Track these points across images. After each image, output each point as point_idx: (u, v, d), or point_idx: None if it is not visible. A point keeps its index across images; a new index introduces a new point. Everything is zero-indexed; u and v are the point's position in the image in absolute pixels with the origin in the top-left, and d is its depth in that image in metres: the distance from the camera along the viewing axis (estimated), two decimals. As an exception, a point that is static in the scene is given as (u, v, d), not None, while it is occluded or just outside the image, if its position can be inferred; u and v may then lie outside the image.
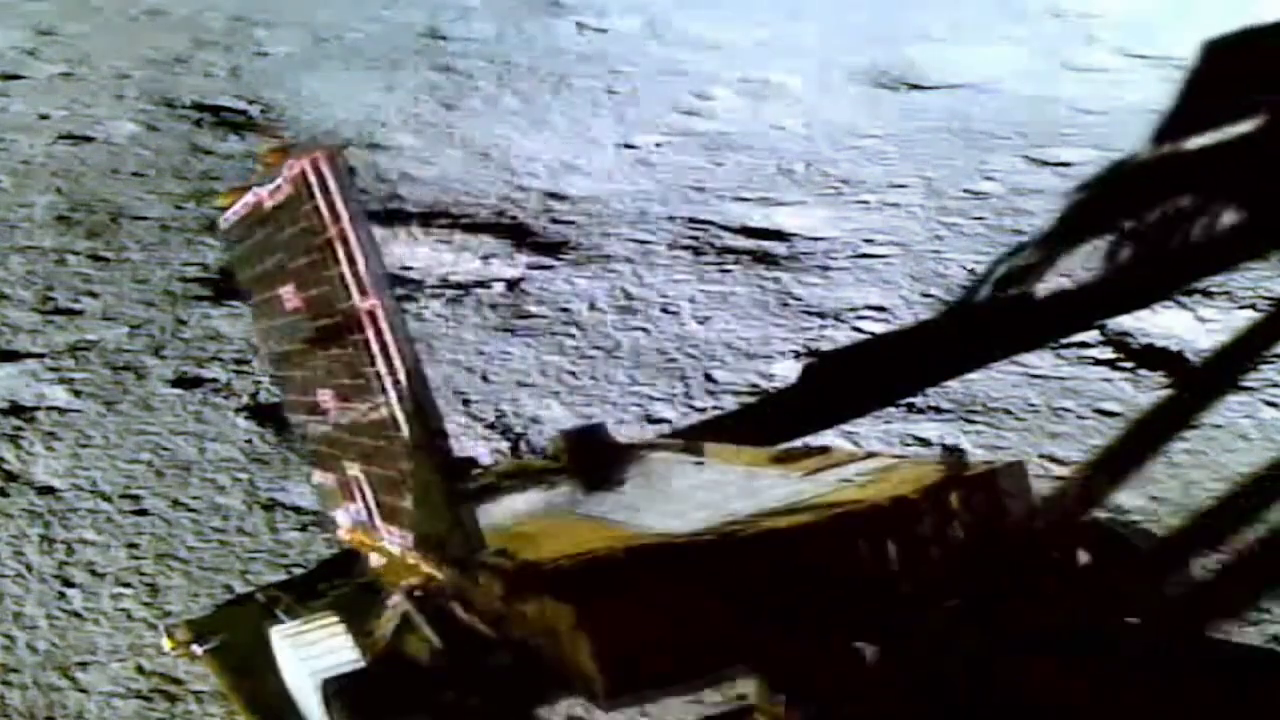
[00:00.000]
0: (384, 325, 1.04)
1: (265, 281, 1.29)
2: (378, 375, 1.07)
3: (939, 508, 1.12)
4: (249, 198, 1.21)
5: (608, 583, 1.01)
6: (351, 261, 1.04)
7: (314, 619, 1.28)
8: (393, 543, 1.19)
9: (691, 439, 1.66)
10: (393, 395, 1.06)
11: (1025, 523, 1.16)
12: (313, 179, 1.06)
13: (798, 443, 2.56)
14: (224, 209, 1.37)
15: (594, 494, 1.30)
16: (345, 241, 1.04)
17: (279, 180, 1.10)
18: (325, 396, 1.20)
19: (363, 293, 1.05)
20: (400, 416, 1.06)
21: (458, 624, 1.12)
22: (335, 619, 1.26)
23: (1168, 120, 4.25)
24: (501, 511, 1.26)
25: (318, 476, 1.44)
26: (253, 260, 1.32)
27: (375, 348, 1.06)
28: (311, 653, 1.21)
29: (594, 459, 1.42)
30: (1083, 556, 1.23)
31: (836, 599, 1.06)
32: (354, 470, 1.21)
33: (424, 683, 1.13)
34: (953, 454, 1.29)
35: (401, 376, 1.04)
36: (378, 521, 1.21)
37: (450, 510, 1.03)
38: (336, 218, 1.04)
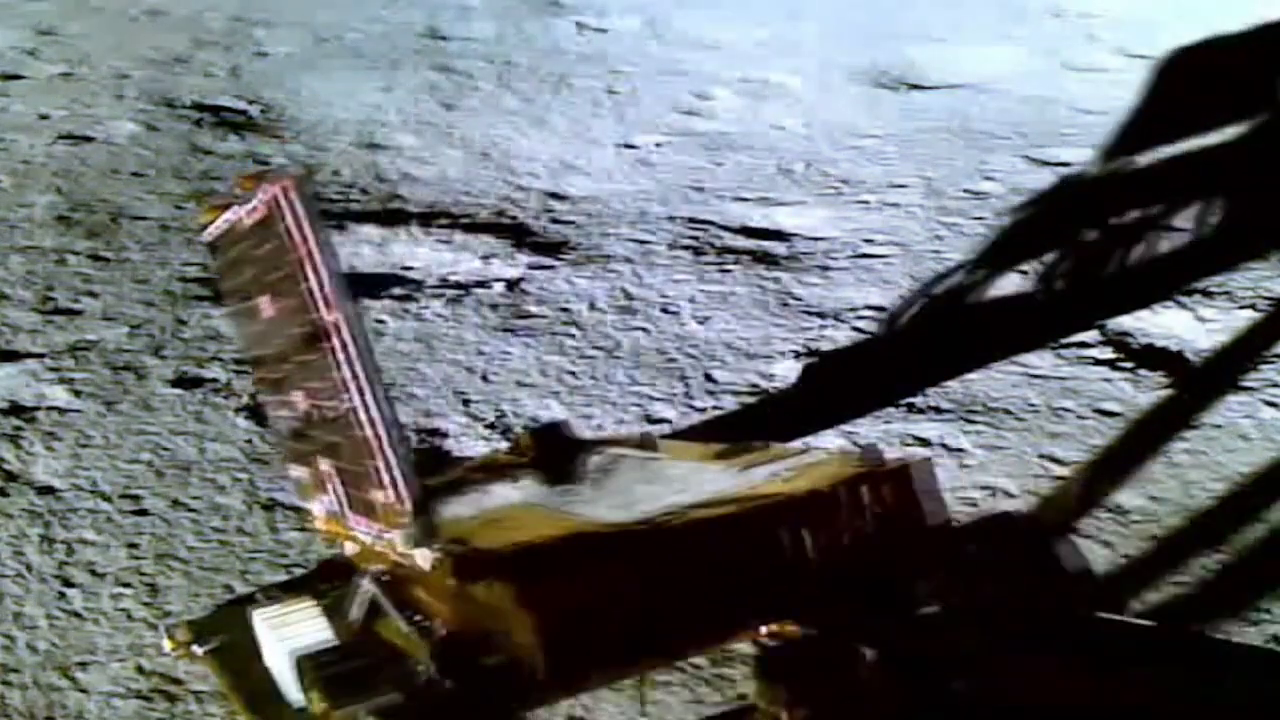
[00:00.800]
0: (346, 336, 1.18)
1: (244, 291, 1.41)
2: (342, 379, 1.20)
3: (851, 500, 1.22)
4: (229, 215, 1.32)
5: (546, 567, 1.10)
6: (317, 278, 1.18)
7: (292, 603, 1.41)
8: (362, 532, 1.28)
9: (649, 436, 1.78)
10: (355, 396, 1.19)
11: (935, 516, 1.25)
12: (282, 203, 1.20)
13: (799, 439, 2.57)
14: (206, 224, 1.48)
15: (553, 487, 1.40)
16: (311, 260, 1.18)
17: (255, 201, 1.23)
18: (298, 397, 1.30)
19: (328, 307, 1.19)
20: (362, 416, 1.18)
21: (420, 607, 1.21)
22: (312, 603, 1.38)
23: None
24: (467, 502, 1.36)
25: (294, 471, 1.53)
26: (233, 271, 1.44)
27: (340, 355, 1.19)
28: (288, 633, 1.32)
29: (556, 454, 1.52)
30: (996, 550, 1.35)
31: (752, 584, 1.16)
32: (324, 465, 1.31)
33: (391, 659, 1.22)
34: (869, 451, 1.39)
35: (363, 381, 1.18)
36: (347, 512, 1.31)
37: (410, 502, 1.15)
38: (304, 239, 1.18)
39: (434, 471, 1.83)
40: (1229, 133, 4.06)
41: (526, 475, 1.47)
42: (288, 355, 1.31)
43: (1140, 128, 4.27)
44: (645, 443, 1.64)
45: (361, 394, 1.18)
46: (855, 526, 1.20)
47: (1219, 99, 4.35)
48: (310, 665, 1.25)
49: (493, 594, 1.10)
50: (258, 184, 1.22)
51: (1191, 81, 4.57)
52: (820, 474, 1.28)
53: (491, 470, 1.52)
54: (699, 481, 1.30)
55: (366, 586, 1.29)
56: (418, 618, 1.22)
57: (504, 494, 1.40)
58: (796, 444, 1.44)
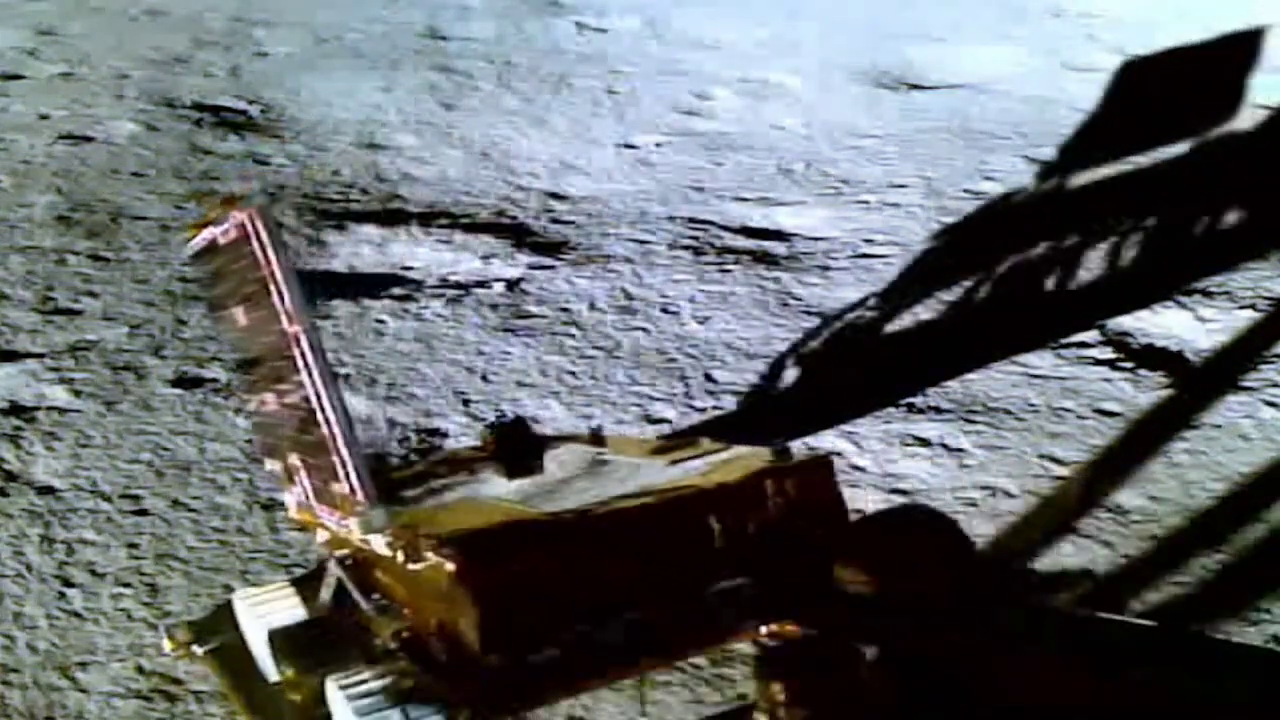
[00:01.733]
0: (305, 345, 1.31)
1: (222, 301, 1.56)
2: (304, 383, 1.34)
3: (757, 490, 1.34)
4: (207, 234, 1.46)
5: (482, 548, 1.21)
6: (280, 295, 1.31)
7: (270, 587, 1.55)
8: (328, 520, 1.41)
9: (599, 433, 1.88)
10: (314, 399, 1.32)
11: (833, 509, 1.38)
12: (250, 228, 1.34)
13: (799, 439, 2.57)
14: (189, 239, 1.63)
15: (509, 479, 1.53)
16: (274, 279, 1.32)
17: (229, 224, 1.39)
18: (270, 398, 1.44)
19: (290, 319, 1.32)
20: (320, 416, 1.32)
21: (379, 587, 1.35)
22: (288, 587, 1.52)
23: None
24: (429, 492, 1.50)
25: (269, 464, 1.66)
26: (212, 283, 1.59)
27: (301, 362, 1.33)
28: (265, 612, 1.46)
29: (514, 449, 1.63)
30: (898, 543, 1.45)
31: (666, 567, 1.27)
32: (293, 459, 1.45)
33: (356, 634, 1.35)
34: (780, 448, 1.48)
35: (320, 385, 1.31)
36: (314, 502, 1.44)
37: (364, 493, 1.29)
38: (269, 260, 1.31)
39: (402, 465, 1.89)
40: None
41: (486, 468, 1.58)
42: (259, 360, 1.45)
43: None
44: (595, 439, 1.76)
45: (319, 397, 1.31)
46: (761, 514, 1.32)
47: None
48: (281, 639, 1.40)
49: (437, 574, 1.20)
50: (231, 208, 1.36)
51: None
52: (735, 468, 1.40)
53: (455, 464, 1.64)
54: (633, 475, 1.43)
55: (333, 570, 1.42)
56: (377, 597, 1.36)
57: (463, 485, 1.52)
58: (744, 446, 1.53)
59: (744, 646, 1.79)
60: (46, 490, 2.52)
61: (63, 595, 2.23)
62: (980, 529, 2.32)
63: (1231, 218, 3.53)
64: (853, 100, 4.74)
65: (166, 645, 1.97)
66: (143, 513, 2.45)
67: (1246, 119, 4.06)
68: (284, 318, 1.30)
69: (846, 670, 1.43)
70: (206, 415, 2.77)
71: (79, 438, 2.69)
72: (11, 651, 2.09)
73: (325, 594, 1.46)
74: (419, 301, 3.27)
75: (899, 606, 1.40)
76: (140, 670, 2.04)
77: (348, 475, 1.28)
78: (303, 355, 1.31)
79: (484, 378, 2.91)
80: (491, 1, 6.23)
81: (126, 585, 2.25)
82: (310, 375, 1.31)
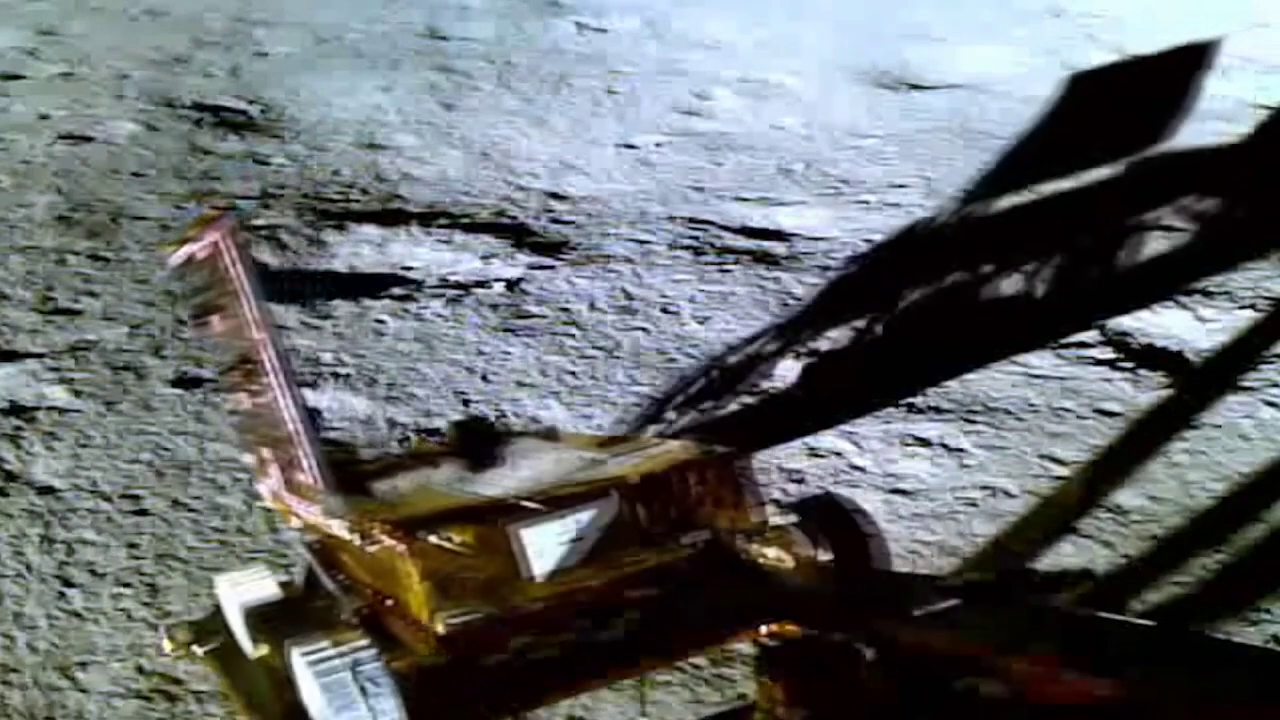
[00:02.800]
0: (268, 351, 1.50)
1: (200, 311, 1.71)
2: (267, 385, 1.52)
3: (679, 481, 1.48)
4: (187, 248, 1.64)
5: (424, 530, 1.36)
6: (246, 306, 1.49)
7: (249, 571, 1.68)
8: (297, 508, 1.57)
9: (553, 429, 2.07)
10: (277, 399, 1.51)
11: (741, 496, 1.52)
12: (221, 246, 1.54)
13: (799, 439, 2.57)
14: (171, 253, 1.79)
15: (467, 472, 1.66)
16: (242, 292, 1.50)
17: (203, 242, 1.57)
18: (243, 397, 1.61)
19: (255, 328, 1.51)
20: (283, 414, 1.50)
21: (343, 568, 1.49)
22: (266, 571, 1.65)
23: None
24: (396, 485, 1.64)
25: (246, 457, 1.80)
26: (192, 294, 1.76)
27: (265, 366, 1.51)
28: (242, 592, 1.58)
29: (475, 444, 1.76)
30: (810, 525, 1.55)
31: (590, 546, 1.43)
32: (265, 452, 1.61)
33: (323, 610, 1.47)
34: (705, 443, 1.63)
35: (282, 387, 1.49)
36: (284, 491, 1.60)
37: (322, 482, 1.48)
38: (237, 275, 1.50)
39: (373, 460, 1.98)
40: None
41: (447, 462, 1.72)
42: (234, 363, 1.61)
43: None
44: (550, 435, 1.92)
45: (281, 397, 1.50)
46: (680, 502, 1.47)
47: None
48: (255, 615, 1.53)
49: (389, 554, 1.37)
50: (206, 227, 1.55)
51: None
52: (660, 460, 1.55)
53: (419, 458, 1.78)
54: (573, 467, 1.58)
55: (303, 553, 1.58)
56: (342, 577, 1.50)
57: (423, 477, 1.66)
58: (678, 442, 1.72)
59: (744, 646, 1.79)
60: (46, 490, 2.52)
61: (63, 595, 2.23)
62: (980, 529, 2.32)
63: (1231, 218, 3.53)
64: (853, 100, 4.74)
65: (166, 645, 1.96)
66: (143, 513, 2.45)
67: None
68: (250, 326, 1.48)
69: (846, 670, 1.43)
70: (206, 415, 2.77)
71: (79, 438, 2.69)
72: (11, 651, 2.09)
73: (298, 577, 1.60)
74: (419, 301, 3.27)
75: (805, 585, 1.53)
76: (140, 670, 2.04)
77: (308, 467, 1.46)
78: (267, 360, 1.49)
79: (484, 378, 2.91)
80: (491, 1, 6.23)
81: (126, 585, 2.25)
82: (273, 378, 1.48)
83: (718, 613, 1.52)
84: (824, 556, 1.52)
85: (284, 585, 1.61)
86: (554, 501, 1.42)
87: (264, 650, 1.47)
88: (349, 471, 1.65)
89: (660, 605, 1.44)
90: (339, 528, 1.43)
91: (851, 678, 1.42)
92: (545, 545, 1.41)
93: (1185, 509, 2.34)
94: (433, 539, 1.36)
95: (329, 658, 1.27)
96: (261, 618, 1.50)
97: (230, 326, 1.55)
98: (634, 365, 2.94)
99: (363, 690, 1.25)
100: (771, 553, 1.53)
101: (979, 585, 1.49)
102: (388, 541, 1.36)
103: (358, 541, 1.39)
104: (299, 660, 1.30)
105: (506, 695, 1.51)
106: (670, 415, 2.73)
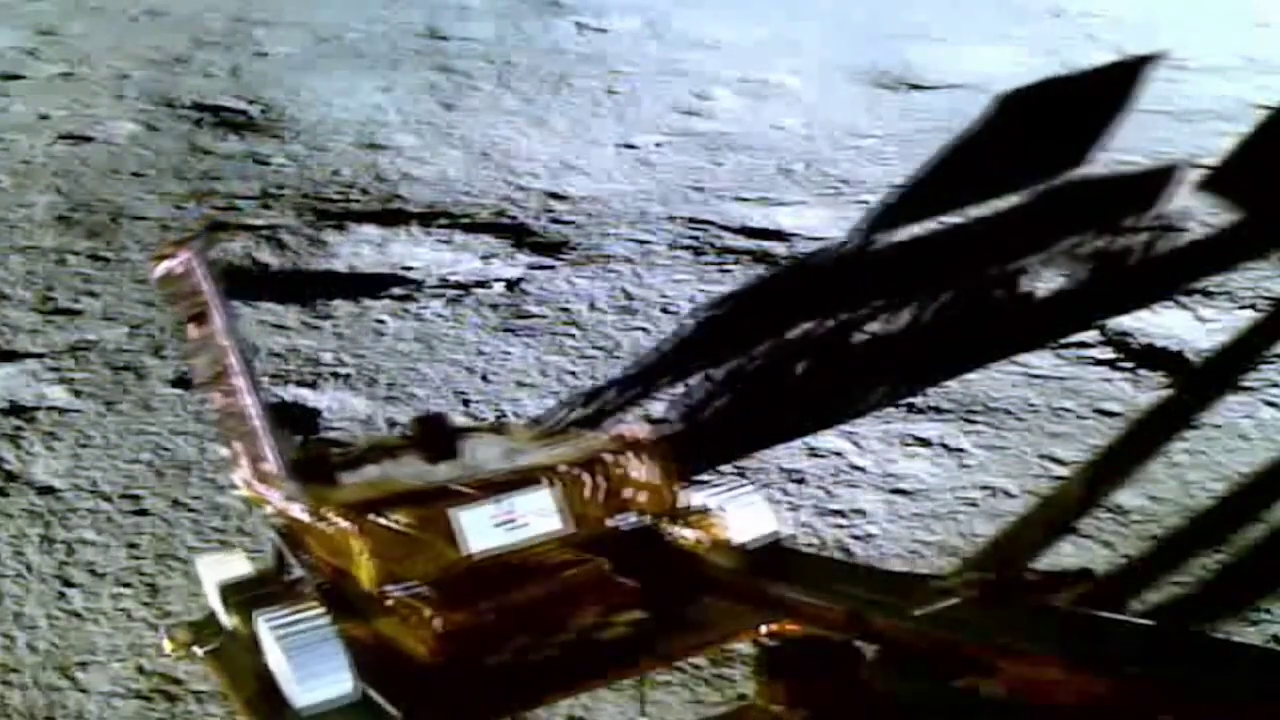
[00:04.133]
0: (234, 357, 1.71)
1: (180, 320, 1.89)
2: (235, 386, 1.74)
3: (604, 468, 1.63)
4: (166, 264, 1.82)
5: (373, 513, 1.54)
6: (216, 317, 1.72)
7: (227, 553, 1.82)
8: (266, 495, 1.71)
9: (504, 423, 2.28)
10: (242, 398, 1.72)
11: (658, 481, 1.66)
12: (192, 264, 1.76)
13: (799, 439, 2.57)
14: (155, 264, 1.96)
15: (423, 463, 1.80)
16: (211, 305, 1.73)
17: (179, 260, 1.78)
18: (218, 395, 1.77)
19: (223, 337, 1.72)
20: (248, 411, 1.71)
21: (307, 548, 1.63)
22: (241, 554, 1.79)
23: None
24: (358, 474, 1.79)
25: (223, 449, 2.02)
26: (172, 304, 1.95)
27: (233, 370, 1.72)
28: (220, 572, 1.70)
29: (432, 437, 1.89)
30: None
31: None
32: (237, 445, 1.77)
33: (289, 585, 1.64)
34: (628, 431, 1.77)
35: (246, 387, 1.70)
36: (254, 481, 1.74)
37: (283, 471, 1.67)
38: (206, 290, 1.73)
39: (340, 451, 2.09)
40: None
41: (406, 454, 1.85)
42: (209, 366, 1.79)
43: (1140, 128, 4.27)
44: (499, 428, 2.10)
45: (247, 396, 1.70)
46: (607, 487, 1.62)
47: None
48: (229, 589, 1.67)
49: (340, 533, 1.54)
50: (181, 247, 1.76)
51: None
52: (586, 449, 1.70)
53: (379, 449, 1.92)
54: (513, 457, 1.73)
55: (274, 537, 1.72)
56: (304, 555, 1.63)
57: (384, 468, 1.80)
58: (608, 434, 1.85)
59: (744, 646, 1.79)
60: (46, 490, 2.52)
61: (63, 595, 2.23)
62: (980, 529, 2.32)
63: (1231, 218, 3.53)
64: (853, 100, 4.74)
65: (166, 645, 1.96)
66: (143, 513, 2.44)
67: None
68: (219, 335, 1.69)
69: (846, 670, 1.43)
70: (206, 415, 2.76)
71: (79, 438, 2.69)
72: (11, 651, 2.09)
73: (270, 557, 1.73)
74: (419, 301, 3.27)
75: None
76: (140, 670, 2.04)
77: (270, 459, 1.66)
78: (234, 364, 1.71)
79: (484, 378, 2.91)
80: (491, 1, 6.23)
81: (126, 585, 2.25)
82: (239, 380, 1.70)
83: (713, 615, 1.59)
84: (739, 537, 1.67)
85: (257, 566, 1.77)
86: (489, 487, 1.58)
87: (236, 621, 1.61)
88: (320, 462, 1.82)
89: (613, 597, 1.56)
90: (298, 511, 1.60)
91: (851, 678, 1.43)
92: (480, 526, 1.56)
93: (1185, 509, 2.34)
94: (380, 520, 1.53)
95: (288, 622, 1.42)
96: (234, 591, 1.64)
97: (204, 333, 1.75)
98: (634, 365, 2.94)
99: (314, 646, 1.41)
100: (691, 534, 1.66)
101: (979, 585, 1.49)
102: (340, 523, 1.53)
103: (314, 522, 1.56)
104: (263, 626, 1.45)
105: (506, 695, 1.51)
106: (668, 414, 2.73)
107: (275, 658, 1.44)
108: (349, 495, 1.61)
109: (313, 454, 1.93)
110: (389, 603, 1.46)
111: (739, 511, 1.66)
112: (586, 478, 1.61)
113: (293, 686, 1.40)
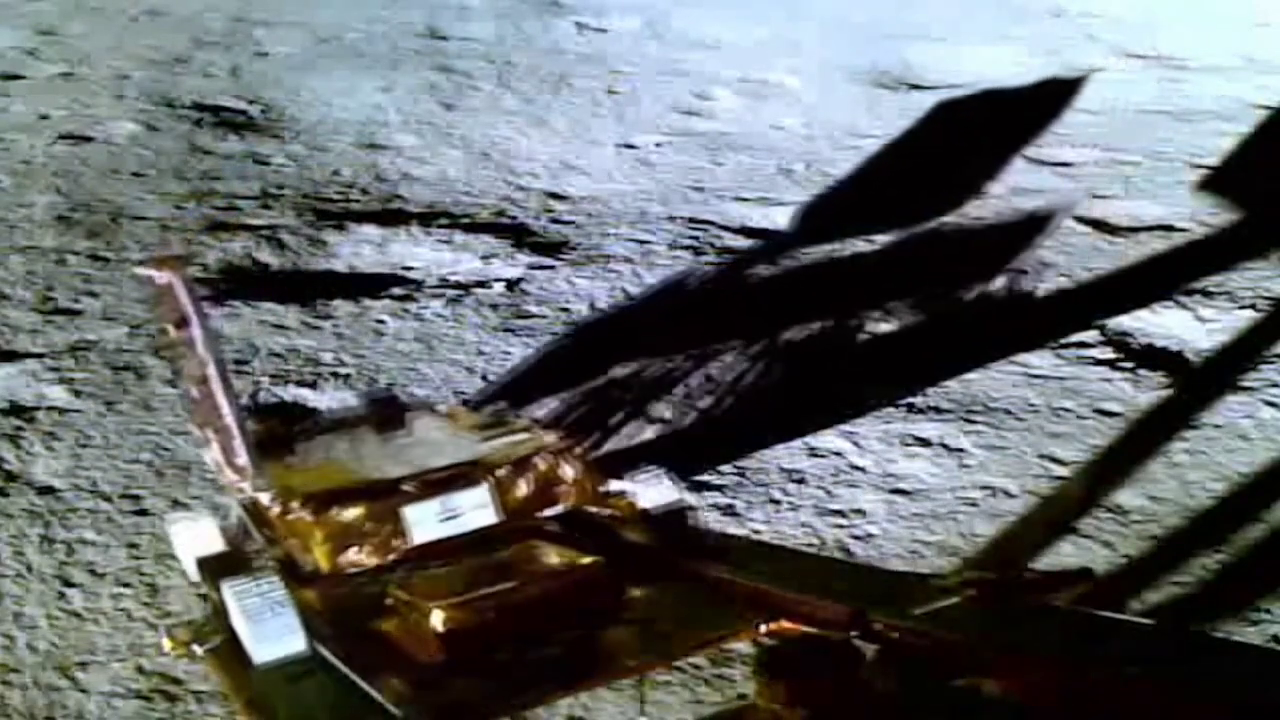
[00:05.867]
0: (208, 361, 1.86)
1: (163, 324, 2.04)
2: (210, 387, 1.91)
3: (529, 464, 1.84)
4: (154, 277, 1.95)
5: (325, 502, 1.76)
6: (194, 329, 1.87)
7: (196, 516, 2.02)
8: (238, 484, 1.91)
9: (452, 407, 2.37)
10: (215, 397, 1.89)
11: (595, 473, 1.88)
12: (173, 280, 1.89)
13: (799, 439, 2.57)
14: (142, 276, 2.15)
15: (375, 441, 2.04)
16: (189, 314, 1.87)
17: (161, 275, 1.91)
18: (192, 388, 1.95)
19: (200, 346, 1.88)
20: (220, 409, 1.89)
21: (271, 529, 1.82)
22: (209, 517, 1.99)
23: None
24: (316, 450, 2.03)
25: (194, 429, 2.16)
26: (157, 310, 2.09)
27: (212, 383, 1.90)
28: (196, 547, 1.92)
29: (386, 415, 2.13)
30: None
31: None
32: (209, 431, 1.97)
33: (252, 557, 1.86)
34: (555, 430, 1.99)
35: (218, 387, 1.87)
36: (228, 471, 1.93)
37: (250, 465, 1.87)
38: (184, 305, 1.86)
39: (300, 424, 2.29)
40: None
41: (362, 432, 2.08)
42: (189, 367, 1.95)
43: (1140, 128, 4.27)
44: (451, 413, 2.24)
45: (223, 404, 1.87)
46: (539, 480, 1.82)
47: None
48: (206, 563, 1.87)
49: (300, 520, 1.77)
50: (163, 263, 1.90)
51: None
52: (520, 446, 1.90)
53: (339, 424, 2.13)
54: (455, 448, 1.93)
55: (241, 515, 1.92)
56: (268, 533, 1.84)
57: (338, 446, 2.04)
58: (540, 429, 2.04)
59: (744, 646, 1.79)
60: (46, 490, 2.52)
61: (63, 595, 2.23)
62: (980, 529, 2.32)
63: (1231, 218, 3.53)
64: (853, 100, 4.74)
65: (166, 645, 1.96)
66: (143, 513, 2.44)
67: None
68: (196, 344, 1.85)
69: (846, 670, 1.43)
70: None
71: (79, 438, 2.69)
72: (11, 651, 2.09)
73: (239, 534, 1.93)
74: (419, 301, 3.27)
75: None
76: (140, 670, 2.04)
77: (241, 455, 1.87)
78: (212, 376, 1.87)
79: (484, 378, 2.91)
80: (491, 1, 6.23)
81: (126, 585, 2.25)
82: (216, 389, 1.86)
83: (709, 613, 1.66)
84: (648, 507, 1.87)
85: (223, 527, 1.96)
86: (436, 485, 1.79)
87: (209, 589, 1.80)
88: (278, 434, 2.10)
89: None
90: (266, 499, 1.82)
91: (851, 678, 1.42)
92: (424, 520, 1.76)
93: (1185, 509, 2.34)
94: (337, 515, 1.76)
95: (248, 588, 1.62)
96: (211, 563, 1.86)
97: (183, 337, 1.92)
98: (629, 364, 2.94)
99: (272, 611, 1.60)
100: (609, 513, 1.87)
101: (979, 585, 1.49)
102: (303, 515, 1.76)
103: (278, 511, 1.79)
104: (229, 592, 1.64)
105: (506, 695, 1.52)
106: (667, 414, 2.73)
107: (238, 620, 1.63)
108: (310, 484, 1.84)
109: (273, 430, 2.15)
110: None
111: (647, 490, 1.87)
112: (520, 480, 1.82)
113: (252, 644, 1.60)
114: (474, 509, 1.76)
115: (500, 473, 1.80)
